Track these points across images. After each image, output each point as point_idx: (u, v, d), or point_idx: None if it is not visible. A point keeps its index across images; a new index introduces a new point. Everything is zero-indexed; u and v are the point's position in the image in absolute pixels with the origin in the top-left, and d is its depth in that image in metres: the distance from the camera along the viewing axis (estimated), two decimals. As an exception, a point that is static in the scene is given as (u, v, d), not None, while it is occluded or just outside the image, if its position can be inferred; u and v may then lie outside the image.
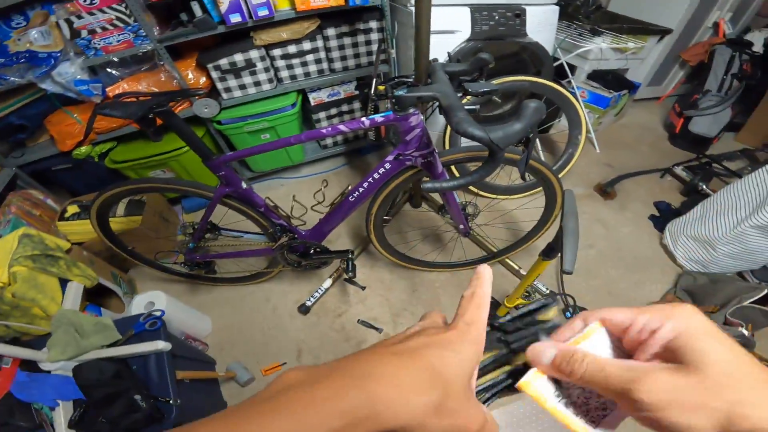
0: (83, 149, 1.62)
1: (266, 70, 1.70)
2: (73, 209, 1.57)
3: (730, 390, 0.20)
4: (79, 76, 1.45)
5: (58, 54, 1.40)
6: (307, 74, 1.81)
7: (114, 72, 1.54)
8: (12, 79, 1.39)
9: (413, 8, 1.49)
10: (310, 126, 2.12)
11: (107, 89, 1.54)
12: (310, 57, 1.75)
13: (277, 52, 1.68)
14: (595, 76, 2.25)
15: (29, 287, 1.22)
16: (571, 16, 2.15)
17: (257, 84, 1.73)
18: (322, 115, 2.00)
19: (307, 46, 1.70)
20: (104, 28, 1.39)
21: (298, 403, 0.18)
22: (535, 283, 1.23)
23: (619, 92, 2.19)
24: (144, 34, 1.44)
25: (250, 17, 1.49)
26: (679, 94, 2.67)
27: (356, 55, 1.83)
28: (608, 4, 2.56)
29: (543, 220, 1.41)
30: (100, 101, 1.54)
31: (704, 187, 1.88)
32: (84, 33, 1.38)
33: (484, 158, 0.71)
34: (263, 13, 1.48)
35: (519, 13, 1.64)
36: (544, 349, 0.26)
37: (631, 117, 2.61)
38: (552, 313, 0.31)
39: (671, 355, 0.23)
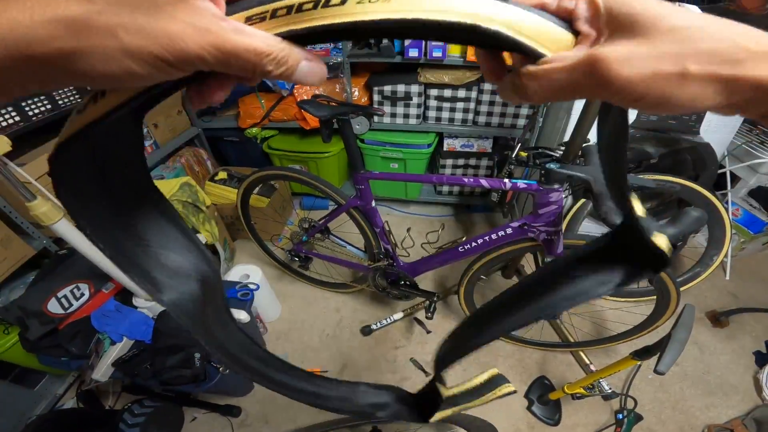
0: (254, 130, 2.01)
1: (418, 106, 1.92)
2: (222, 175, 1.92)
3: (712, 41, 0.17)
4: (281, 70, 1.81)
5: (278, 46, 1.77)
6: (451, 120, 1.98)
7: (305, 73, 1.89)
8: (236, 60, 1.79)
9: (579, 85, 1.57)
10: (433, 167, 2.28)
11: (295, 86, 1.88)
12: (460, 105, 1.92)
13: (433, 92, 1.88)
14: (758, 194, 1.99)
15: (168, 227, 1.51)
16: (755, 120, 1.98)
17: (406, 116, 1.95)
18: (449, 161, 2.14)
19: (461, 93, 1.87)
20: (316, 34, 1.74)
21: None
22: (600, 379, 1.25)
23: (779, 218, 1.92)
24: (340, 47, 1.76)
25: (425, 55, 1.72)
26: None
27: (502, 114, 1.94)
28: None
29: (639, 327, 1.38)
30: (287, 95, 1.91)
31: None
32: (301, 33, 1.75)
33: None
34: (437, 54, 1.70)
35: (698, 108, 1.58)
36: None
37: (780, 249, 2.27)
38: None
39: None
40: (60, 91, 1.36)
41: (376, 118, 1.97)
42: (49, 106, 1.33)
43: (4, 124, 1.23)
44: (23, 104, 1.27)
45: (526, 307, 0.32)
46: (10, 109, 1.25)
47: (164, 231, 0.30)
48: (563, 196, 1.05)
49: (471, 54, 1.68)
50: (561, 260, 0.33)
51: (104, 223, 0.26)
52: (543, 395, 1.41)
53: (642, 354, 1.01)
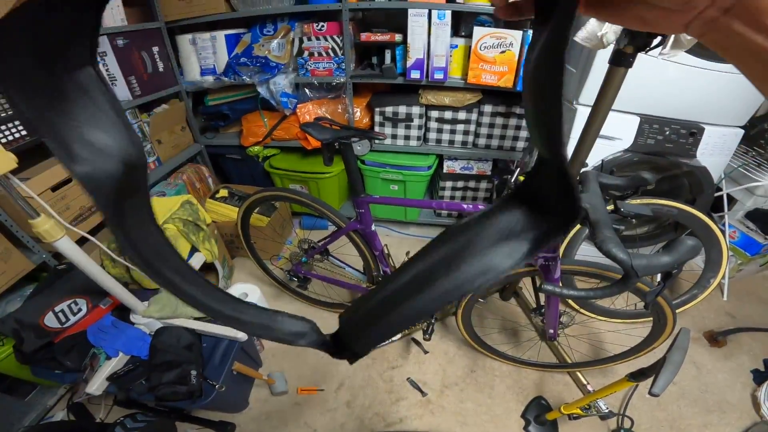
0: (256, 149, 2.05)
1: (419, 127, 1.96)
2: (223, 192, 1.95)
3: None
4: (286, 89, 1.85)
5: (282, 66, 1.81)
6: (451, 142, 2.02)
7: (308, 93, 1.94)
8: (244, 77, 1.83)
9: (579, 107, 1.61)
10: (433, 189, 2.32)
11: (298, 105, 1.93)
12: (460, 126, 1.96)
13: (434, 114, 1.93)
14: (755, 216, 2.01)
15: (168, 245, 1.52)
16: (752, 141, 2.00)
17: (407, 138, 2.00)
18: (448, 184, 2.14)
19: (461, 115, 1.92)
20: (319, 54, 1.79)
21: None
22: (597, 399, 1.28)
23: (777, 241, 1.93)
24: (343, 67, 1.81)
25: (427, 77, 1.77)
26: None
27: (502, 137, 1.97)
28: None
29: (636, 348, 1.40)
30: (289, 114, 1.95)
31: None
32: (305, 54, 1.79)
33: (607, 278, 0.74)
34: (438, 76, 1.75)
35: (695, 132, 1.57)
36: None
37: (778, 270, 2.30)
38: None
39: None
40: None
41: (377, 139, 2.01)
42: (56, 121, 1.36)
43: (10, 137, 1.27)
44: (31, 119, 1.31)
45: (426, 291, 0.30)
46: (17, 122, 1.28)
47: (97, 108, 0.29)
48: (560, 223, 1.07)
49: (471, 77, 1.73)
50: (459, 231, 0.31)
51: (34, 92, 0.26)
52: (540, 415, 1.43)
53: (637, 376, 1.04)
